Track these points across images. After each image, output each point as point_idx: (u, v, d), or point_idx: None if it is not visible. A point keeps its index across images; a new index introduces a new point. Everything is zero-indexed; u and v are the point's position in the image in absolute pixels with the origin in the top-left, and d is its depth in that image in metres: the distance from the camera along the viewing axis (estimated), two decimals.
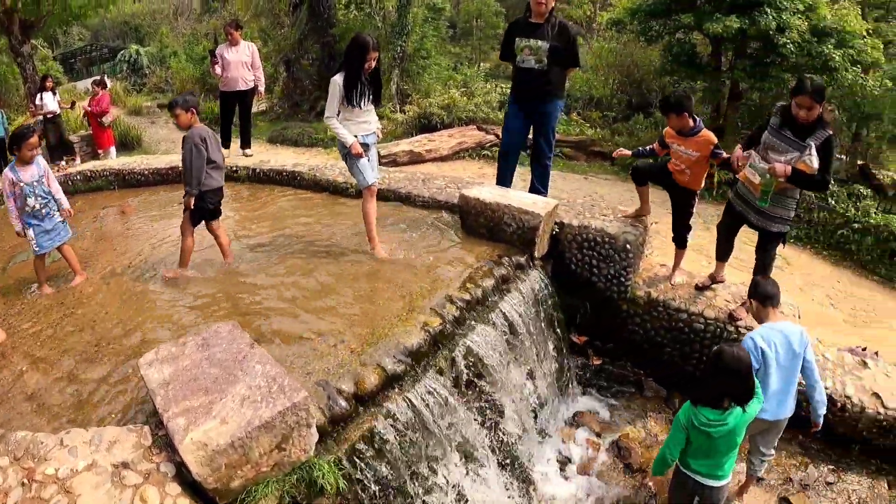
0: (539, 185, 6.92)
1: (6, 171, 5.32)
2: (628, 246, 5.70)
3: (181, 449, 2.85)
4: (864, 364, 5.41)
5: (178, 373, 3.26)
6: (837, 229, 12.33)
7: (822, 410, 4.27)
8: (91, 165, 10.78)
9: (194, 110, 5.29)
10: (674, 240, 5.96)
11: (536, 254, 5.65)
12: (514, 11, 53.25)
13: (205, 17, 47.96)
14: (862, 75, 15.14)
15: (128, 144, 15.20)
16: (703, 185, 5.61)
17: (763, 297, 4.28)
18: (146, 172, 9.58)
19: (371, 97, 5.50)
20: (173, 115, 5.39)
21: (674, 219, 5.85)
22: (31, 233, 5.38)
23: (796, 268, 11.33)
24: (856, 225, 12.05)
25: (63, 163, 12.46)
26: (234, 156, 9.35)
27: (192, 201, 5.28)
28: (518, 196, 5.86)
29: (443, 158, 14.92)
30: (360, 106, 5.36)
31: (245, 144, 9.65)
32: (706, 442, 3.74)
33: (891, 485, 5.02)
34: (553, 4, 6.25)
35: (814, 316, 9.10)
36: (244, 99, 9.35)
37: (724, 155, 5.32)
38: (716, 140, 5.37)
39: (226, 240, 5.72)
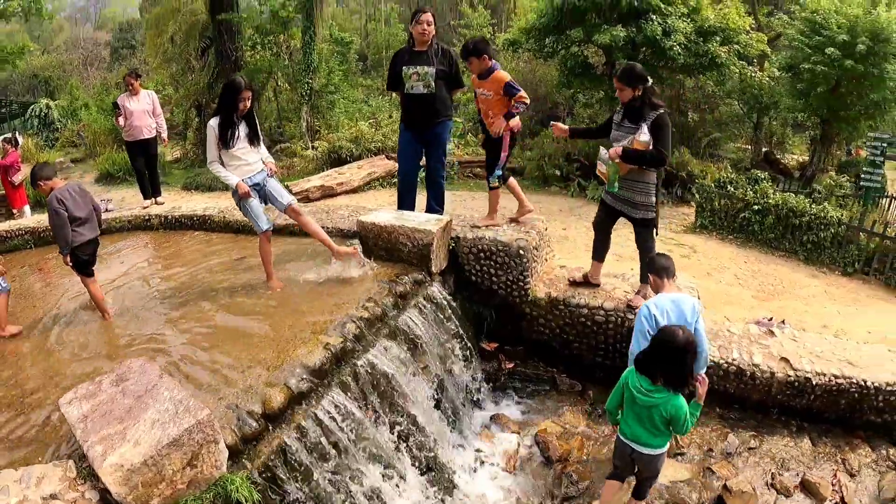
0: (435, 205, 7.26)
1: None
2: (521, 252, 6.07)
3: (101, 472, 3.04)
4: (771, 333, 5.93)
5: (96, 407, 3.46)
6: (739, 213, 13.14)
7: (703, 369, 4.56)
8: (6, 225, 10.70)
9: (47, 180, 5.39)
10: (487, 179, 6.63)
11: (434, 269, 5.93)
12: None
13: (115, 65, 47.49)
14: (750, 68, 16.06)
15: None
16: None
17: (658, 269, 4.69)
18: (45, 232, 9.64)
19: (250, 138, 5.58)
20: (37, 188, 5.50)
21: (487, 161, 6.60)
22: None
23: (703, 254, 12.04)
24: (756, 206, 12.82)
25: None
26: (145, 205, 9.49)
27: (68, 258, 5.42)
28: (412, 217, 6.18)
29: (354, 190, 15.25)
30: (235, 147, 5.45)
31: (155, 193, 9.73)
32: (634, 407, 4.08)
33: (814, 441, 5.44)
34: (433, 32, 6.65)
35: (723, 296, 9.77)
36: (148, 147, 9.50)
37: (519, 92, 5.99)
38: (509, 78, 6.03)
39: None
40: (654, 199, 5.42)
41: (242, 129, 5.49)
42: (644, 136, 5.06)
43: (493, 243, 6.16)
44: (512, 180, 6.64)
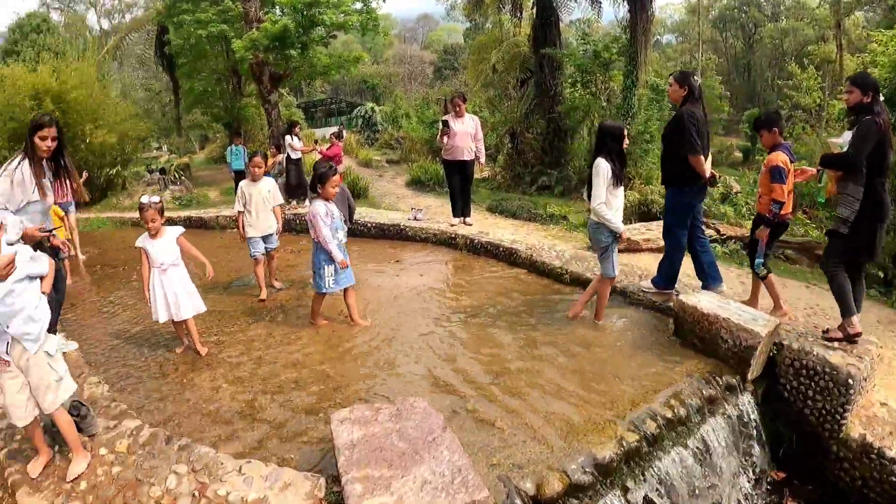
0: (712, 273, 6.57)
1: (318, 203, 5.71)
2: (850, 381, 5.11)
3: None
4: None
5: (367, 438, 3.37)
6: None
7: None
8: None
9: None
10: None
11: (750, 376, 5.24)
12: (738, 95, 51.77)
13: (436, 83, 51.11)
14: None
15: (355, 194, 16.07)
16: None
17: None
18: (369, 225, 10.32)
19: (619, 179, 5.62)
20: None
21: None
22: (330, 269, 5.86)
23: None
24: None
25: (295, 202, 13.56)
26: (453, 223, 9.84)
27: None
28: (738, 310, 5.45)
29: (660, 249, 14.13)
30: (616, 189, 5.57)
31: (465, 213, 9.96)
32: None
33: None
34: None
35: None
36: (466, 168, 9.78)
37: (778, 183, 5.68)
38: (777, 162, 5.71)
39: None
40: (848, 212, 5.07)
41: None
42: (841, 139, 5.07)
43: (820, 362, 5.29)
44: (771, 277, 6.03)
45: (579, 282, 7.14)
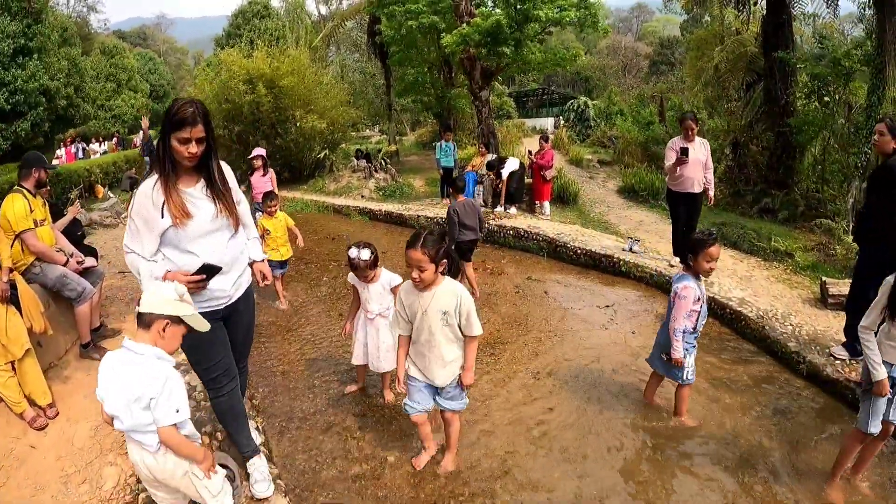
0: None
1: (689, 282, 4.51)
2: None
3: None
4: None
5: None
6: None
7: None
8: (526, 224, 11.08)
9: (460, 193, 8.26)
10: None
11: None
12: None
13: (651, 77, 48.87)
14: None
15: (564, 199, 15.26)
16: None
17: None
18: (578, 252, 9.52)
19: None
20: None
21: None
22: (691, 360, 4.77)
23: None
24: None
25: (501, 209, 13.05)
26: (674, 262, 8.73)
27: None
28: None
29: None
30: None
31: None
32: None
33: None
34: None
35: None
36: (694, 202, 8.42)
37: None
38: None
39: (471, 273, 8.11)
40: None
41: None
42: None
43: None
44: None
45: (818, 380, 5.56)
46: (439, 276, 3.77)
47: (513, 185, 13.49)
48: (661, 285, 8.17)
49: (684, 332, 4.61)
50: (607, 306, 7.69)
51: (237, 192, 3.63)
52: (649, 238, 12.01)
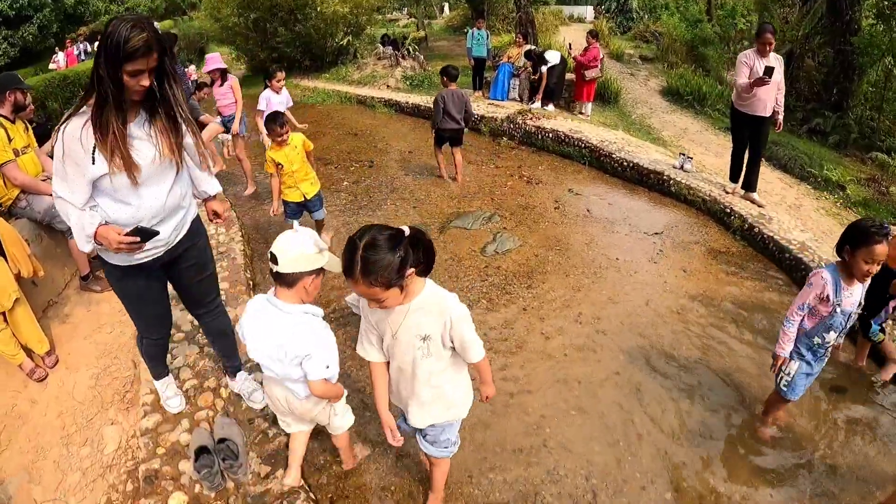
0: None
1: (827, 275, 3.41)
2: None
3: None
4: None
5: None
6: None
7: None
8: (567, 128, 10.34)
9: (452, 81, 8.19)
10: None
11: None
12: None
13: None
14: None
15: (604, 97, 14.24)
16: None
17: None
18: (624, 164, 8.80)
19: None
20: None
21: None
22: (795, 368, 3.64)
23: None
24: None
25: (538, 104, 12.27)
26: (729, 188, 7.87)
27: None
28: None
29: None
30: None
31: (749, 186, 7.66)
32: None
33: None
34: None
35: None
36: (762, 127, 7.35)
37: None
38: None
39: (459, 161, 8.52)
40: None
41: None
42: None
43: None
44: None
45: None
46: (412, 285, 2.49)
47: (552, 80, 12.58)
48: (714, 213, 7.41)
49: (804, 335, 3.56)
50: (655, 233, 6.98)
51: (185, 114, 2.94)
52: (694, 149, 11.30)
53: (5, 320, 4.35)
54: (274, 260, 2.64)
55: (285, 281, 2.70)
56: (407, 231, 2.29)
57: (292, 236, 2.67)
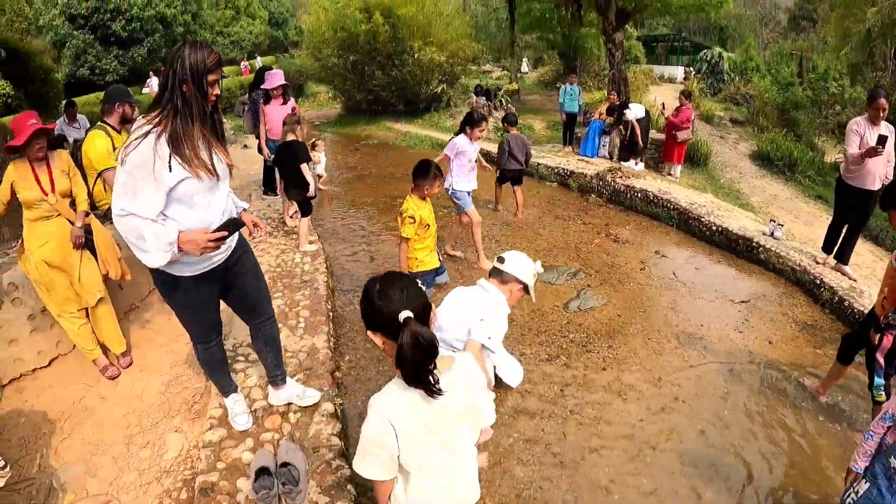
0: None
1: None
2: None
3: None
4: None
5: None
6: None
7: None
8: (657, 188, 10.45)
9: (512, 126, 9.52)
10: None
11: None
12: None
13: (790, 34, 45.72)
14: None
15: (694, 159, 14.27)
16: None
17: None
18: (713, 228, 8.86)
19: None
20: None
21: None
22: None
23: None
24: None
25: (632, 164, 12.39)
26: (820, 259, 7.60)
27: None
28: None
29: None
30: None
31: (843, 258, 7.33)
32: None
33: None
34: None
35: None
36: (868, 201, 6.93)
37: None
38: None
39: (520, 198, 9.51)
40: None
41: None
42: None
43: None
44: None
45: None
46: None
47: (636, 134, 12.73)
48: (803, 283, 7.32)
49: (883, 453, 2.84)
50: (742, 302, 6.94)
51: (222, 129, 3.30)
52: (784, 216, 11.24)
53: (87, 316, 4.66)
54: (501, 261, 3.70)
55: (501, 277, 3.72)
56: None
57: (525, 256, 3.73)
